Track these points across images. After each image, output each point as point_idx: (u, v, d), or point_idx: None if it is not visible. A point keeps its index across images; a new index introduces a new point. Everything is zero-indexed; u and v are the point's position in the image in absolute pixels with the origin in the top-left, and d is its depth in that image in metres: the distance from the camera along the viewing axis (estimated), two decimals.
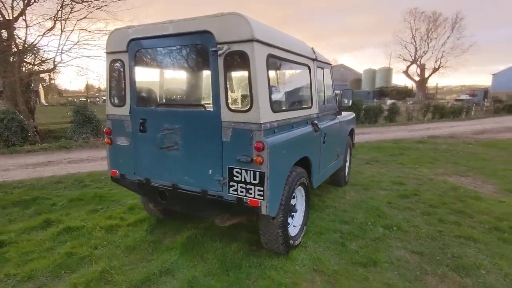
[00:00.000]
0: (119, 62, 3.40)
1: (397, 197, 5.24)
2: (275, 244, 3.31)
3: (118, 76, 3.46)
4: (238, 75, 3.14)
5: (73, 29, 12.79)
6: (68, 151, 9.44)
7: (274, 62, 3.07)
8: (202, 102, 3.62)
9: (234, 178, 2.87)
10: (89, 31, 13.09)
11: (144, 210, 4.33)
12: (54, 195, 5.46)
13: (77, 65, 15.31)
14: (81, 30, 13.07)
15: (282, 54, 3.16)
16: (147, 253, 3.52)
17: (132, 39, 3.23)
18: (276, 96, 3.33)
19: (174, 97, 4.48)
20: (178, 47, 3.22)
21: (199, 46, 3.06)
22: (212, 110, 2.92)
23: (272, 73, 3.22)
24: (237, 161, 2.83)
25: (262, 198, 2.77)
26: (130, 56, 3.29)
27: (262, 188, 2.76)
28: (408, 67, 33.43)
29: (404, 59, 33.65)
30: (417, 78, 33.01)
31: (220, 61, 2.76)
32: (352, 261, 3.39)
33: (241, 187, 2.86)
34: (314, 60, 4.00)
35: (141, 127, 3.35)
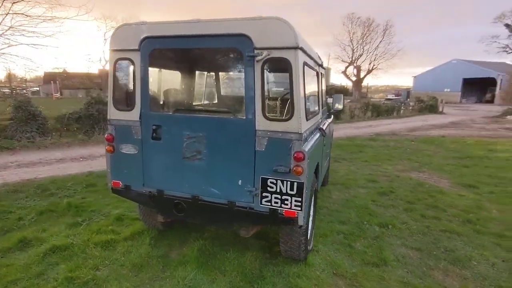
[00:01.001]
0: (127, 61, 3.00)
1: (377, 195, 5.52)
2: (297, 252, 3.24)
3: (125, 77, 3.06)
4: (276, 82, 2.96)
5: (8, 13, 11.11)
6: (12, 153, 8.20)
7: (305, 69, 2.99)
8: (230, 109, 3.36)
9: (268, 189, 2.73)
10: (28, 16, 11.48)
11: (141, 221, 3.92)
12: (16, 207, 4.69)
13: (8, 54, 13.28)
14: (16, 14, 11.41)
15: (308, 61, 3.08)
16: (158, 270, 3.21)
17: (147, 37, 2.87)
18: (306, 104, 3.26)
19: (195, 102, 4.12)
20: (205, 49, 2.93)
21: (231, 50, 2.83)
22: (244, 118, 2.73)
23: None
24: (272, 171, 2.69)
25: (300, 209, 2.68)
26: (142, 55, 2.92)
27: (300, 199, 2.66)
28: (346, 68, 35.75)
29: (342, 61, 35.89)
30: (354, 78, 35.47)
31: (258, 67, 2.58)
32: (365, 262, 3.48)
33: (275, 198, 2.73)
34: (320, 65, 3.98)
35: (154, 134, 3.01)
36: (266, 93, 2.68)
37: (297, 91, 2.55)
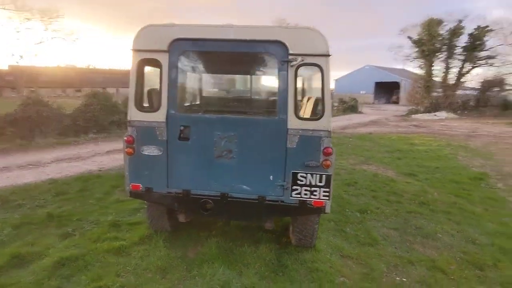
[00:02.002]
0: (153, 62, 2.93)
1: (345, 186, 6.11)
2: (310, 240, 3.53)
3: (150, 78, 2.97)
4: (306, 85, 3.14)
5: None
6: None
7: None
8: (261, 110, 3.45)
9: (298, 182, 2.96)
10: None
11: (149, 225, 3.79)
12: None
13: None
14: None
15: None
16: (183, 271, 3.20)
17: (178, 39, 2.86)
18: None
19: (226, 103, 4.04)
20: (238, 53, 3.02)
21: (266, 55, 2.97)
22: (276, 117, 2.91)
23: None
24: (303, 166, 2.93)
25: (327, 198, 2.97)
26: (171, 57, 2.89)
27: (328, 190, 2.95)
28: None
29: None
30: None
31: (291, 71, 2.80)
32: (361, 243, 3.93)
33: (305, 190, 2.97)
34: None
35: (182, 135, 3.01)
36: (298, 95, 2.91)
37: (327, 93, 2.84)
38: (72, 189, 5.39)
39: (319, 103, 2.90)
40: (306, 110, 3.79)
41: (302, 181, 2.96)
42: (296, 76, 2.81)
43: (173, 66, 2.92)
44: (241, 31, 2.81)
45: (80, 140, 9.72)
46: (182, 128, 3.01)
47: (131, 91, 3.04)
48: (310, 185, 2.96)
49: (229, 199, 3.07)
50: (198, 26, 2.87)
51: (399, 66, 42.74)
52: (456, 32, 30.42)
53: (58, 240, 3.66)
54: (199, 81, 3.71)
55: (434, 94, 29.55)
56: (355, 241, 3.98)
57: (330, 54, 2.80)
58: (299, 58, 2.77)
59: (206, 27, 2.85)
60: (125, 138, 3.09)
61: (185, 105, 3.27)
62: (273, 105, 2.94)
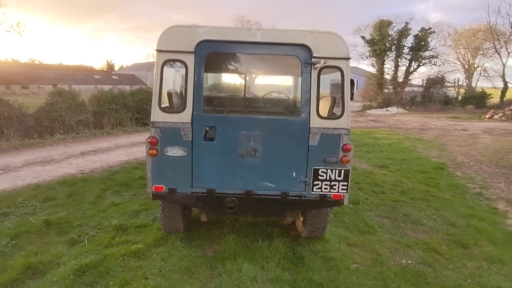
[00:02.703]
0: (179, 63, 2.91)
1: None
2: (321, 231, 3.73)
3: (175, 79, 2.94)
4: (328, 86, 3.26)
5: None
6: None
7: None
8: (284, 110, 3.51)
9: (319, 177, 3.13)
10: None
11: (163, 227, 3.73)
12: None
13: None
14: None
15: None
16: (208, 269, 3.24)
17: (204, 40, 2.86)
18: None
19: (250, 103, 4.00)
20: (265, 55, 3.09)
21: (290, 57, 3.06)
22: (299, 117, 3.04)
23: None
24: (324, 162, 3.10)
25: (345, 191, 3.18)
26: (198, 58, 2.90)
27: (346, 183, 3.16)
28: None
29: None
30: None
31: (314, 73, 2.94)
32: (361, 232, 4.23)
33: (325, 184, 3.15)
34: None
35: (207, 135, 3.03)
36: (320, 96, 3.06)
37: (347, 94, 3.03)
38: (60, 194, 5.08)
39: (337, 103, 3.08)
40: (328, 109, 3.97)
41: (322, 176, 3.13)
42: (319, 77, 2.97)
43: (199, 68, 2.92)
44: (269, 34, 2.90)
45: (47, 141, 9.05)
46: (207, 128, 3.03)
47: (155, 92, 2.99)
48: (330, 180, 3.14)
49: (253, 196, 3.15)
50: (225, 28, 2.90)
51: (353, 64, 44.97)
52: (403, 33, 32.57)
53: (66, 248, 3.48)
54: (223, 81, 3.73)
55: (386, 90, 31.50)
56: (356, 230, 4.27)
57: (350, 57, 2.99)
58: (322, 61, 2.92)
59: (234, 29, 2.89)
60: (148, 139, 3.03)
61: (210, 105, 3.27)
62: (297, 105, 3.08)
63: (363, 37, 35.05)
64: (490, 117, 20.54)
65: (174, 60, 2.93)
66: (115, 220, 4.18)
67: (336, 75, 3.02)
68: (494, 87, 28.84)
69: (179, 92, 3.00)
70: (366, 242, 3.95)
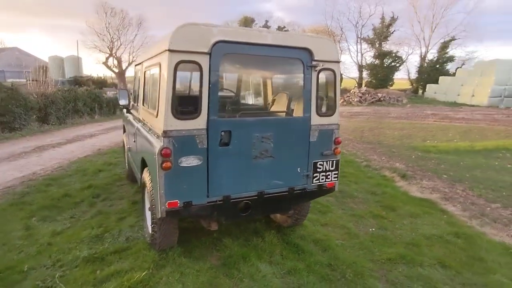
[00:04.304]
0: (194, 65, 2.62)
1: None
2: (304, 218, 4.05)
3: (188, 82, 2.62)
4: (323, 86, 3.31)
5: None
6: None
7: None
8: (289, 109, 3.40)
9: (317, 169, 3.43)
10: None
11: (155, 246, 3.28)
12: None
13: None
14: None
15: None
16: (226, 278, 3.13)
17: (220, 41, 2.67)
18: None
19: (259, 105, 3.53)
20: (272, 57, 3.03)
21: (295, 59, 3.11)
22: (302, 116, 3.22)
23: None
24: (321, 155, 3.40)
25: (336, 179, 3.58)
26: (213, 59, 2.68)
27: (337, 172, 3.56)
28: (107, 58, 32.84)
29: (100, 51, 32.62)
30: (116, 70, 33.35)
31: (314, 75, 3.17)
32: (322, 212, 4.78)
33: (322, 175, 3.47)
34: None
35: (222, 140, 2.87)
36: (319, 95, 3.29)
37: (338, 94, 3.38)
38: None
39: (331, 101, 3.39)
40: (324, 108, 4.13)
41: (320, 168, 3.43)
42: (318, 79, 3.20)
43: (214, 70, 2.71)
44: (277, 36, 2.94)
45: None
46: (222, 133, 2.87)
47: (166, 96, 2.61)
48: (325, 171, 3.48)
49: (265, 196, 3.19)
50: (238, 28, 2.78)
51: None
52: None
53: (90, 272, 2.71)
54: (232, 84, 3.41)
55: None
56: (317, 211, 4.78)
57: (340, 60, 3.34)
58: (321, 64, 3.17)
59: (246, 30, 2.79)
60: (162, 151, 2.64)
61: (223, 109, 3.02)
62: (299, 105, 3.23)
63: None
64: None
65: (189, 61, 2.62)
66: (77, 251, 3.42)
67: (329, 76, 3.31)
68: None
69: (193, 96, 2.70)
70: (331, 220, 4.51)
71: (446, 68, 34.52)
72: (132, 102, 4.92)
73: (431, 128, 14.41)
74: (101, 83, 32.82)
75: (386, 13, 36.43)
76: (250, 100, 4.44)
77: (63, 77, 33.62)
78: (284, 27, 36.78)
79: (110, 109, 16.38)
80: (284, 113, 3.50)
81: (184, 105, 2.90)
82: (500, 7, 61.68)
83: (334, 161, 3.50)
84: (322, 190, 3.55)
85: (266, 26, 33.90)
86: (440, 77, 31.43)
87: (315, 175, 3.43)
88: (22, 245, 3.58)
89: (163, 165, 2.67)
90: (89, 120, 14.32)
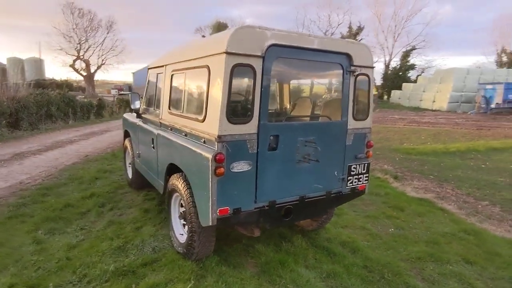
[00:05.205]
0: (247, 68, 2.52)
1: None
2: (328, 220, 4.04)
3: (240, 86, 2.51)
4: (358, 91, 3.26)
5: None
6: None
7: None
8: (329, 114, 3.31)
9: (351, 173, 3.43)
10: None
11: (190, 256, 3.10)
12: None
13: None
14: None
15: None
16: (270, 285, 3.02)
17: (274, 44, 2.59)
18: None
19: (303, 109, 3.35)
20: (317, 62, 2.98)
21: (336, 65, 3.09)
22: (340, 120, 3.21)
23: None
24: (355, 159, 3.41)
25: (367, 181, 3.61)
26: (267, 63, 2.60)
27: (368, 175, 3.59)
28: (74, 61, 30.93)
29: (67, 53, 30.70)
30: (84, 73, 31.53)
31: (352, 80, 3.18)
32: (338, 215, 4.79)
33: (355, 178, 3.49)
34: None
35: (270, 144, 2.79)
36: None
37: (371, 97, 3.42)
38: None
39: (365, 106, 3.42)
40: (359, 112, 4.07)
41: (353, 171, 3.44)
42: (355, 83, 3.21)
43: (266, 73, 2.62)
44: (322, 41, 2.91)
45: None
46: (271, 138, 2.78)
47: (221, 101, 2.47)
48: (358, 174, 3.49)
49: (305, 200, 3.13)
50: (292, 32, 2.71)
51: None
52: None
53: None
54: (279, 88, 3.28)
55: None
56: (334, 213, 4.79)
57: (374, 66, 3.38)
58: (358, 69, 3.19)
59: (296, 34, 2.74)
60: (215, 157, 2.50)
61: (273, 113, 2.92)
62: (337, 109, 3.22)
63: (203, 37, 36.23)
64: None
65: (244, 65, 2.51)
66: (103, 264, 3.15)
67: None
68: None
69: (246, 100, 2.60)
70: (349, 222, 4.54)
71: (408, 75, 36.57)
72: (145, 106, 4.66)
73: (404, 131, 15.10)
74: (67, 87, 31.08)
75: (353, 23, 38.04)
76: (293, 104, 4.37)
77: (23, 80, 31.29)
78: None
79: (84, 114, 15.47)
80: (326, 117, 3.44)
81: (237, 109, 2.79)
82: (454, 19, 66.79)
83: (366, 164, 3.53)
84: (355, 193, 3.55)
85: None
86: (403, 84, 33.19)
87: (349, 178, 3.43)
88: (37, 260, 3.23)
89: (217, 171, 2.53)
90: (63, 125, 13.41)
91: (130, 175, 5.46)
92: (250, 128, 2.66)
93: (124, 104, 20.60)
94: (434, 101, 27.82)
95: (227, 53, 2.46)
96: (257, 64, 2.59)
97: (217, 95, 2.55)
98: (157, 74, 4.16)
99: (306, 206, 3.19)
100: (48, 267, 3.13)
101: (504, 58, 37.30)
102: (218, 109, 2.53)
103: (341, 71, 3.13)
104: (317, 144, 3.08)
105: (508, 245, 4.09)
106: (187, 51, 3.44)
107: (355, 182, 3.50)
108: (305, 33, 2.93)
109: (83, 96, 28.28)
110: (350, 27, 37.39)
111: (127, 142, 5.44)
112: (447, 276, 3.28)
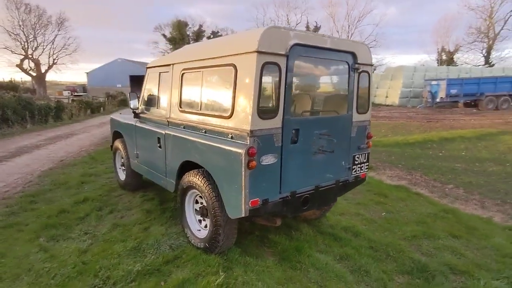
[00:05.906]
0: (274, 66, 2.64)
1: None
2: (330, 208, 4.29)
3: (269, 83, 2.62)
4: (361, 86, 3.45)
5: None
6: None
7: None
8: (337, 108, 3.45)
9: (355, 162, 3.70)
10: None
11: (218, 248, 3.15)
12: None
13: None
14: None
15: None
16: (293, 271, 3.18)
17: (297, 44, 2.74)
18: None
19: (316, 104, 3.38)
20: (327, 60, 3.17)
21: (343, 63, 3.29)
22: (346, 113, 3.45)
23: None
24: (358, 149, 3.68)
25: (367, 170, 3.90)
26: (290, 61, 2.75)
27: (368, 163, 3.88)
28: (22, 60, 28.12)
29: (13, 52, 27.86)
30: (34, 73, 28.82)
31: (356, 76, 3.44)
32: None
33: (358, 167, 3.76)
34: None
35: (292, 138, 2.94)
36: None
37: (371, 92, 3.70)
38: None
39: (365, 100, 3.68)
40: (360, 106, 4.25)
41: (357, 161, 3.71)
42: (359, 80, 3.47)
43: (290, 71, 2.77)
44: (333, 41, 3.11)
45: None
46: (293, 131, 2.93)
47: (252, 97, 2.57)
48: (360, 163, 3.77)
49: (319, 189, 3.33)
50: (310, 33, 2.87)
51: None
52: (199, 34, 35.21)
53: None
54: (303, 84, 3.39)
55: None
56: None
57: (373, 64, 3.66)
58: (361, 66, 3.45)
59: (315, 35, 2.91)
60: (248, 150, 2.59)
61: (294, 108, 3.03)
62: (344, 104, 3.45)
63: (164, 36, 35.24)
64: None
65: (272, 63, 2.63)
66: (125, 265, 3.09)
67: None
68: None
69: (273, 96, 2.71)
70: (344, 209, 4.85)
71: None
72: (144, 106, 4.55)
73: None
74: (12, 88, 28.51)
75: (310, 22, 39.30)
76: (314, 99, 4.49)
77: None
78: (218, 31, 36.81)
79: (42, 117, 14.36)
80: (335, 112, 3.64)
81: (265, 106, 2.88)
82: (400, 21, 71.88)
83: (366, 153, 3.82)
84: (358, 181, 3.83)
85: (200, 30, 33.62)
86: None
87: (353, 167, 3.69)
88: (51, 268, 3.07)
89: (250, 164, 2.63)
90: (22, 130, 12.36)
91: (122, 177, 5.29)
92: (276, 122, 2.80)
93: (84, 106, 19.47)
94: (387, 97, 29.74)
95: (258, 52, 2.56)
96: (282, 62, 2.73)
97: (248, 92, 2.64)
98: (160, 73, 4.10)
99: (320, 195, 3.39)
100: (65, 273, 3.00)
101: (444, 57, 40.91)
102: (250, 105, 2.62)
103: (347, 68, 3.37)
104: (329, 137, 3.29)
105: (479, 220, 4.64)
106: (202, 50, 3.46)
107: (358, 170, 3.77)
108: (319, 34, 3.11)
109: (33, 97, 26.17)
110: (307, 27, 38.63)
111: (118, 144, 5.25)
112: (441, 250, 3.67)
